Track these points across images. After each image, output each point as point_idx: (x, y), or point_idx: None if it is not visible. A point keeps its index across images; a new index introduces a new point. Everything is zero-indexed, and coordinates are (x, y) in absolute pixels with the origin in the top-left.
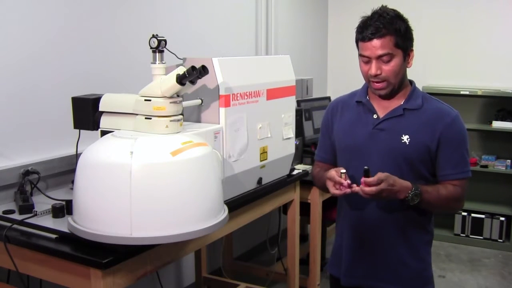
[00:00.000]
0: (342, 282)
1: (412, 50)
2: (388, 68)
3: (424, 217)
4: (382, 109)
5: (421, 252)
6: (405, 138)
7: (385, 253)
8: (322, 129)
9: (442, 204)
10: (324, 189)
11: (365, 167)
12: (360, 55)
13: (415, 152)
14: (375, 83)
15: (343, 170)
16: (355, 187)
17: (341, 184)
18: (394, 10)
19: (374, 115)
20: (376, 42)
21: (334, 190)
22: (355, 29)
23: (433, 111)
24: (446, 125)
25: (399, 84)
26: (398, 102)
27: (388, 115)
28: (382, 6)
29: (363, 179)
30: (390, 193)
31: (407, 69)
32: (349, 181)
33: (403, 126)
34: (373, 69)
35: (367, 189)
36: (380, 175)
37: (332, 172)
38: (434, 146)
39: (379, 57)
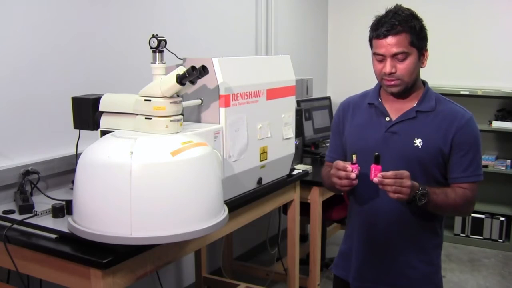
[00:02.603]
0: (352, 285)
1: (426, 50)
2: (402, 67)
3: (434, 221)
4: (394, 111)
5: (432, 255)
6: (418, 141)
7: (395, 257)
8: (333, 129)
9: (450, 207)
10: (334, 188)
11: (376, 153)
12: (374, 54)
13: (428, 155)
14: (388, 81)
15: (354, 154)
16: (374, 178)
17: (345, 170)
18: (408, 9)
19: (387, 117)
20: (391, 39)
21: (339, 173)
22: (369, 28)
23: (446, 113)
24: (459, 127)
25: (413, 83)
26: (411, 104)
27: (400, 118)
28: (397, 5)
29: (373, 167)
30: (410, 190)
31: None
32: (355, 165)
33: (415, 129)
34: (387, 67)
35: (387, 180)
36: (398, 171)
37: (337, 160)
38: (447, 149)
39: (394, 55)
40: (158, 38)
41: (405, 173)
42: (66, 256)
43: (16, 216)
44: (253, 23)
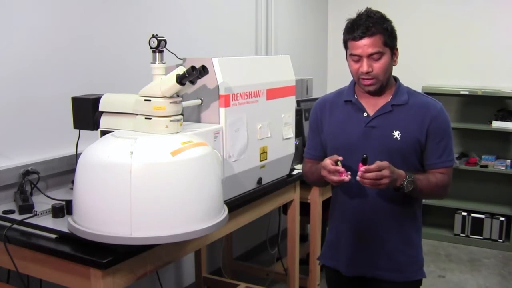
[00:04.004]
0: (344, 273)
1: (397, 49)
2: (378, 66)
3: (415, 206)
4: (371, 107)
5: (414, 238)
6: (396, 133)
7: (382, 242)
8: (311, 127)
9: (432, 191)
10: (319, 182)
11: (364, 155)
12: (351, 55)
13: (407, 146)
14: (365, 80)
15: (339, 158)
16: (351, 176)
17: (337, 171)
18: (379, 11)
19: (364, 113)
20: (367, 41)
21: (331, 177)
22: (343, 30)
23: (419, 105)
24: (433, 117)
25: (387, 81)
26: (385, 99)
27: (377, 113)
28: (367, 8)
29: (361, 167)
30: (389, 180)
31: (396, 67)
32: (344, 170)
33: (393, 122)
34: (364, 66)
35: (369, 174)
36: (379, 162)
37: (327, 161)
38: (423, 138)
39: (370, 55)
40: (158, 38)
41: (385, 163)
42: (66, 256)
43: (16, 216)
44: (253, 23)
